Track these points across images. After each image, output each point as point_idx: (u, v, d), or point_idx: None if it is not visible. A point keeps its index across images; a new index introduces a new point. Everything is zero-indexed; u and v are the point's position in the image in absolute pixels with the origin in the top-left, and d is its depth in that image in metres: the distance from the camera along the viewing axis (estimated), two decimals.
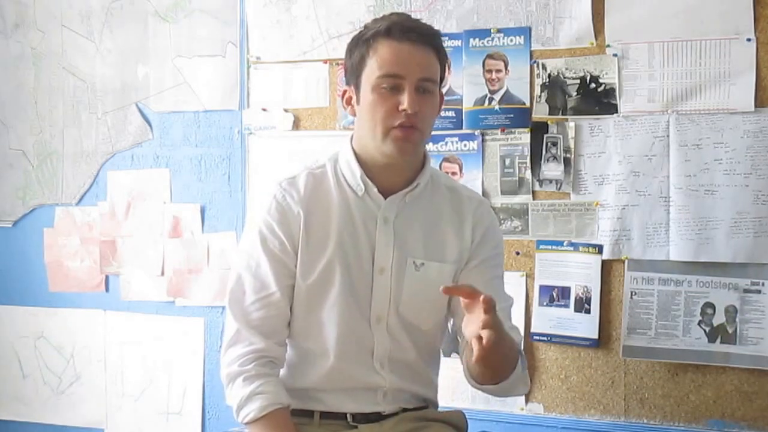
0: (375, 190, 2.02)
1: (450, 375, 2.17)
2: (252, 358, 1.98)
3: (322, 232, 2.02)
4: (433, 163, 2.62)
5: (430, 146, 2.68)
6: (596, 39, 2.54)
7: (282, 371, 2.05)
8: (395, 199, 2.03)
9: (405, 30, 1.95)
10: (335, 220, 2.02)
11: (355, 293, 2.01)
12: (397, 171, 2.03)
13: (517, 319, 2.58)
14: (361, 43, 1.99)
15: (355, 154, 2.03)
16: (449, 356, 2.46)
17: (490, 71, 2.65)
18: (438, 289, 2.01)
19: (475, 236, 2.08)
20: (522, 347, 2.58)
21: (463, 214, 2.09)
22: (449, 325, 2.20)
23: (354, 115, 2.04)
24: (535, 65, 2.60)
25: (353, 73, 2.01)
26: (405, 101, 1.92)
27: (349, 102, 2.04)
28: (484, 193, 2.65)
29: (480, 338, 1.68)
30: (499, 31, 2.64)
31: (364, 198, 2.03)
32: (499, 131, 2.65)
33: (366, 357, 2.02)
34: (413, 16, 2.10)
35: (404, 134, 1.94)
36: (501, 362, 1.91)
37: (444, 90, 2.63)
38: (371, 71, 1.96)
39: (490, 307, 1.69)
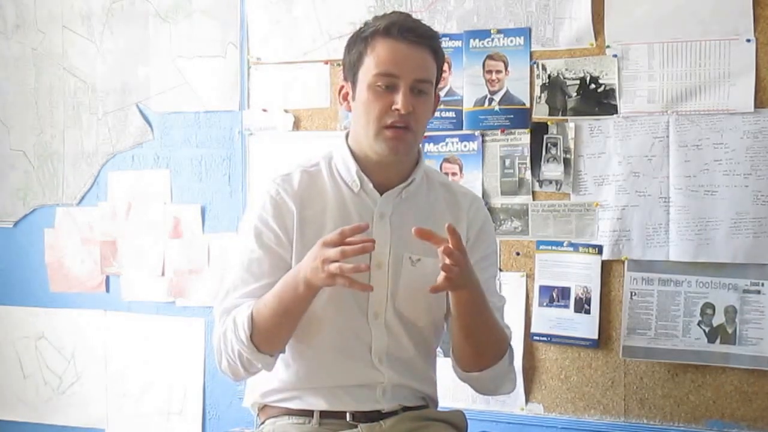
0: (371, 186, 2.03)
1: (451, 375, 2.18)
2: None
3: (317, 228, 2.02)
4: (434, 164, 2.65)
5: (430, 147, 2.69)
6: (596, 40, 2.54)
7: (282, 370, 2.05)
8: (391, 194, 2.04)
9: (404, 30, 1.97)
10: (331, 216, 2.03)
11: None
12: (392, 167, 2.04)
13: (517, 319, 2.59)
14: (360, 40, 2.01)
15: (351, 150, 2.04)
16: (449, 356, 2.46)
17: (490, 72, 2.65)
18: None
19: (469, 235, 2.10)
20: (522, 347, 2.62)
21: (459, 211, 2.11)
22: (446, 326, 2.20)
23: (349, 110, 2.06)
24: (535, 66, 2.61)
25: (351, 69, 2.02)
26: (399, 101, 1.94)
27: (345, 98, 2.06)
28: (484, 194, 2.65)
29: (445, 267, 1.81)
30: (499, 31, 2.65)
31: (360, 194, 2.04)
32: (499, 132, 2.65)
33: (364, 352, 2.03)
34: (413, 16, 2.11)
35: (396, 134, 1.96)
36: (482, 338, 1.98)
37: (444, 91, 2.67)
38: (368, 69, 1.97)
39: (457, 243, 1.82)
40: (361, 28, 2.03)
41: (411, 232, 2.04)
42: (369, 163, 2.03)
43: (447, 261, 1.81)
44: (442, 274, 1.82)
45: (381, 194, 2.04)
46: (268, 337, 1.96)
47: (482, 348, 2.01)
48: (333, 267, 1.80)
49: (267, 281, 2.01)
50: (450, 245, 1.81)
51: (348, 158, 2.04)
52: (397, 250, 2.03)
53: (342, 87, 2.07)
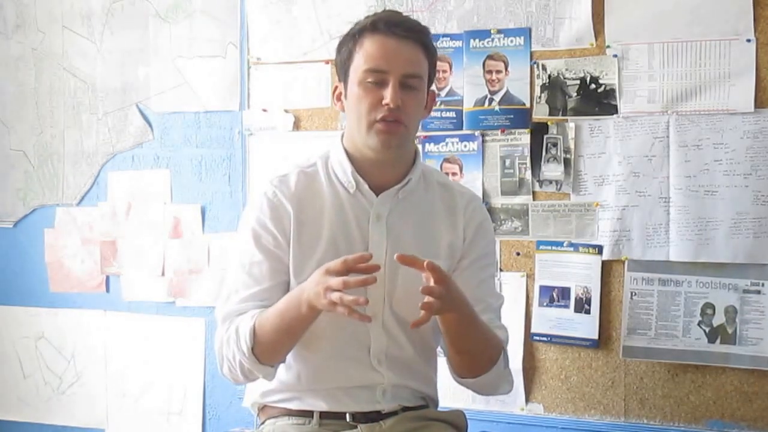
0: (366, 186, 2.03)
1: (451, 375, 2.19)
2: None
3: (314, 230, 2.02)
4: (434, 164, 2.65)
5: (430, 146, 2.69)
6: (596, 40, 2.54)
7: (282, 372, 2.05)
8: (387, 195, 2.04)
9: (391, 25, 1.97)
10: (327, 218, 2.03)
11: (350, 290, 2.01)
12: (388, 167, 2.04)
13: (517, 319, 2.59)
14: (348, 39, 2.01)
15: (346, 151, 2.04)
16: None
17: (490, 72, 2.65)
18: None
19: (467, 234, 2.09)
20: (522, 347, 2.62)
21: (456, 211, 2.10)
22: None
23: (343, 110, 2.06)
24: (535, 66, 2.61)
25: (342, 68, 2.03)
26: (388, 95, 1.93)
27: (338, 98, 2.06)
28: (485, 194, 2.65)
29: (424, 305, 1.80)
30: (499, 31, 2.65)
31: (356, 195, 2.04)
32: (499, 132, 2.65)
33: (363, 354, 2.03)
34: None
35: (387, 127, 1.95)
36: (474, 350, 1.98)
37: (444, 91, 2.67)
38: (357, 66, 1.98)
39: (439, 278, 1.81)
40: (350, 28, 2.03)
41: (408, 233, 2.05)
42: (365, 163, 2.03)
43: (428, 299, 1.81)
44: (424, 300, 1.81)
45: (377, 195, 2.04)
46: (269, 351, 1.97)
47: (475, 359, 2.01)
48: (334, 296, 1.82)
49: (267, 284, 2.02)
50: (431, 279, 1.82)
51: (343, 159, 2.04)
52: (394, 251, 2.01)
53: (336, 87, 2.07)
